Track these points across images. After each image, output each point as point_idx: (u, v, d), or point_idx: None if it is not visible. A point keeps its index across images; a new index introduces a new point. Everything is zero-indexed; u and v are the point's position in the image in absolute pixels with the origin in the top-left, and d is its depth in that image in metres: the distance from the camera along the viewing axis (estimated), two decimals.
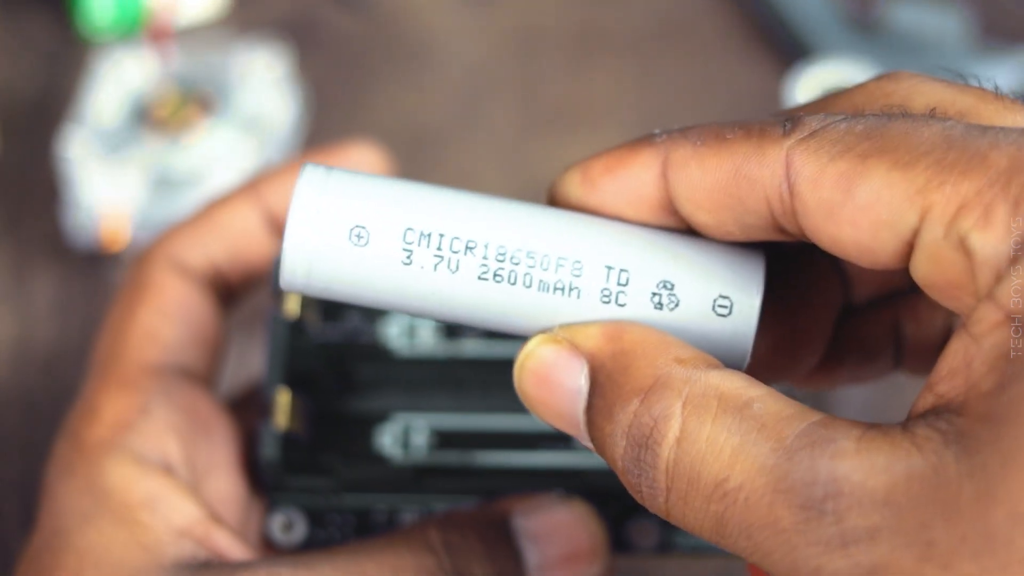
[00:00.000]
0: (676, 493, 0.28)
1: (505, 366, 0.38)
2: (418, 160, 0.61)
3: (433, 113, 0.63)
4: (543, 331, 0.31)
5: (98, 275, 0.57)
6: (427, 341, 0.39)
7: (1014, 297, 0.26)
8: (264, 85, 0.58)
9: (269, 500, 0.38)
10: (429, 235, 0.31)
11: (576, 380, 0.30)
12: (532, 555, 0.35)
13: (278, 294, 0.38)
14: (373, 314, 0.39)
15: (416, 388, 0.39)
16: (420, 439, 0.39)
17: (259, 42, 0.62)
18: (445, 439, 0.39)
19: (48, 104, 0.63)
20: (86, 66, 0.62)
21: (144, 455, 0.36)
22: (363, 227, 0.31)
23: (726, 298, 0.31)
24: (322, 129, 0.62)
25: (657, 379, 0.29)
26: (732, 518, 0.28)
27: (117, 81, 0.58)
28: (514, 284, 0.31)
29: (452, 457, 0.38)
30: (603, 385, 0.30)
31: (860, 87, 0.31)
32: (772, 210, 0.29)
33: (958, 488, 0.25)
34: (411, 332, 0.39)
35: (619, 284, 0.31)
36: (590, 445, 0.30)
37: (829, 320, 0.35)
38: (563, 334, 0.31)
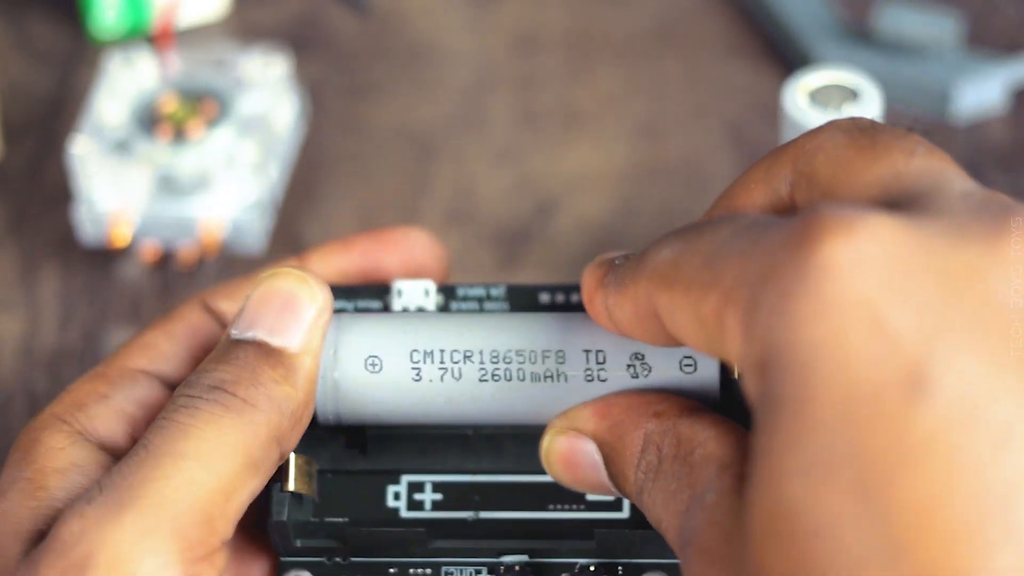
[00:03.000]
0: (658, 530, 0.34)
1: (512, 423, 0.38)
2: (419, 160, 0.61)
3: (433, 113, 0.63)
4: (546, 421, 0.36)
5: (104, 274, 0.57)
6: None
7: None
8: (265, 86, 0.59)
9: (279, 562, 0.38)
10: (431, 352, 0.36)
11: (592, 457, 0.36)
12: None
13: None
14: None
15: (424, 446, 0.39)
16: (429, 498, 0.39)
17: (260, 44, 0.62)
18: (454, 498, 0.38)
19: (55, 105, 0.63)
20: (93, 68, 0.63)
21: (85, 432, 0.38)
22: (376, 356, 0.36)
23: (690, 358, 0.36)
24: (323, 130, 0.62)
25: (645, 439, 0.35)
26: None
27: (124, 83, 0.58)
28: (510, 380, 0.36)
29: (461, 516, 0.38)
30: (609, 456, 0.36)
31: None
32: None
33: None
34: None
35: (598, 363, 0.36)
36: (624, 497, 0.36)
37: None
38: (564, 424, 0.36)
